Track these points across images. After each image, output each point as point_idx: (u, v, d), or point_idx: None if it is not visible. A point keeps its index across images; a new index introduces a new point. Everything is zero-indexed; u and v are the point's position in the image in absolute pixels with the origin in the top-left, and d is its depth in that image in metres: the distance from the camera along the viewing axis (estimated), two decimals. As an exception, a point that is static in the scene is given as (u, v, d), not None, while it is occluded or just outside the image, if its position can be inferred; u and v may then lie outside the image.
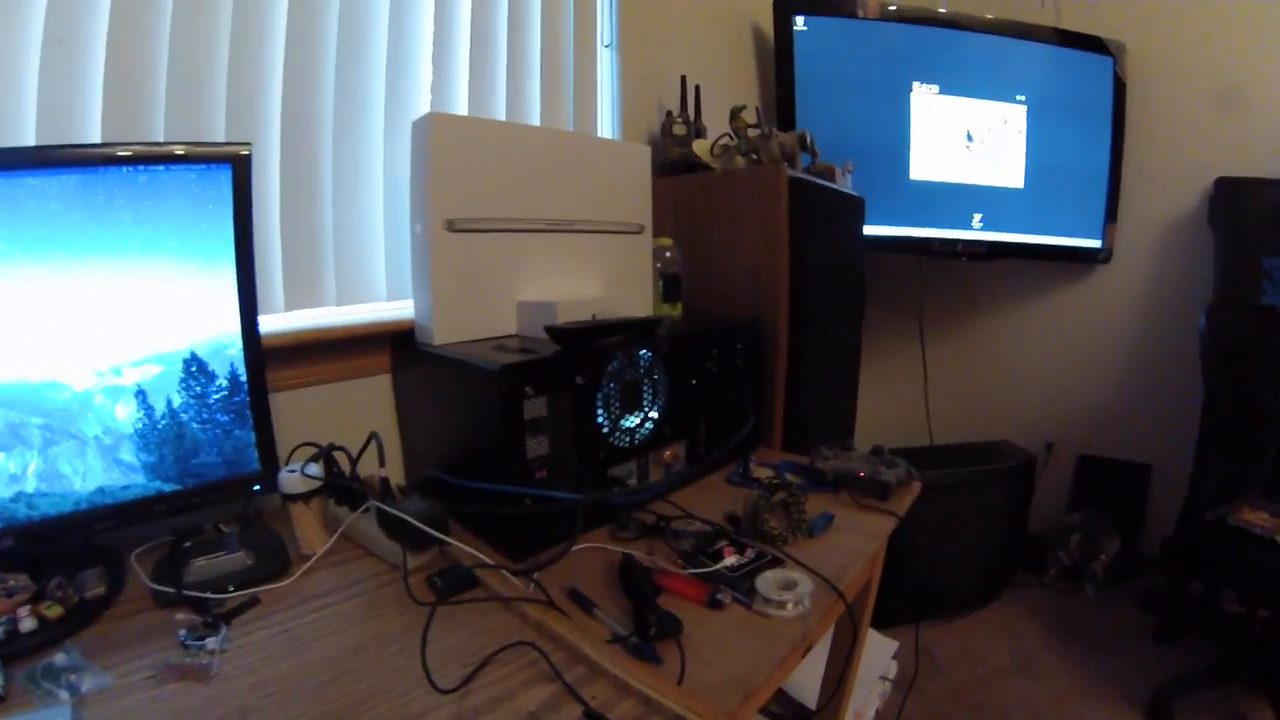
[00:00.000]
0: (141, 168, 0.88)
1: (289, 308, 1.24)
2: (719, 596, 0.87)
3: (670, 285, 1.54)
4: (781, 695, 1.62)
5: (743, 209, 1.53)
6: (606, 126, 1.83)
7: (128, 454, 0.91)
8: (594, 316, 1.18)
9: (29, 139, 0.96)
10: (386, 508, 0.92)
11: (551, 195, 1.30)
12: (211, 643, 0.76)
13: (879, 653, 1.94)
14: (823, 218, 1.64)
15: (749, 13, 2.30)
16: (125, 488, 0.92)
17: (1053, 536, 2.71)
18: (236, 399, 0.99)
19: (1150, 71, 2.52)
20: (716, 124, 1.82)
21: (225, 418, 0.99)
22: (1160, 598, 2.39)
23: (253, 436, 1.02)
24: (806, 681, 1.58)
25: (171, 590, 0.85)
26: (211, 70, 1.13)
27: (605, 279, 1.41)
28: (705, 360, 1.31)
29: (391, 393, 1.33)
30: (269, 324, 1.15)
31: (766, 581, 0.89)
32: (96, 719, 0.65)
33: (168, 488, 0.95)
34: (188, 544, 0.95)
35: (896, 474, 1.21)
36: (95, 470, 0.89)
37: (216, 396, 0.97)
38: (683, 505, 1.16)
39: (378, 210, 1.35)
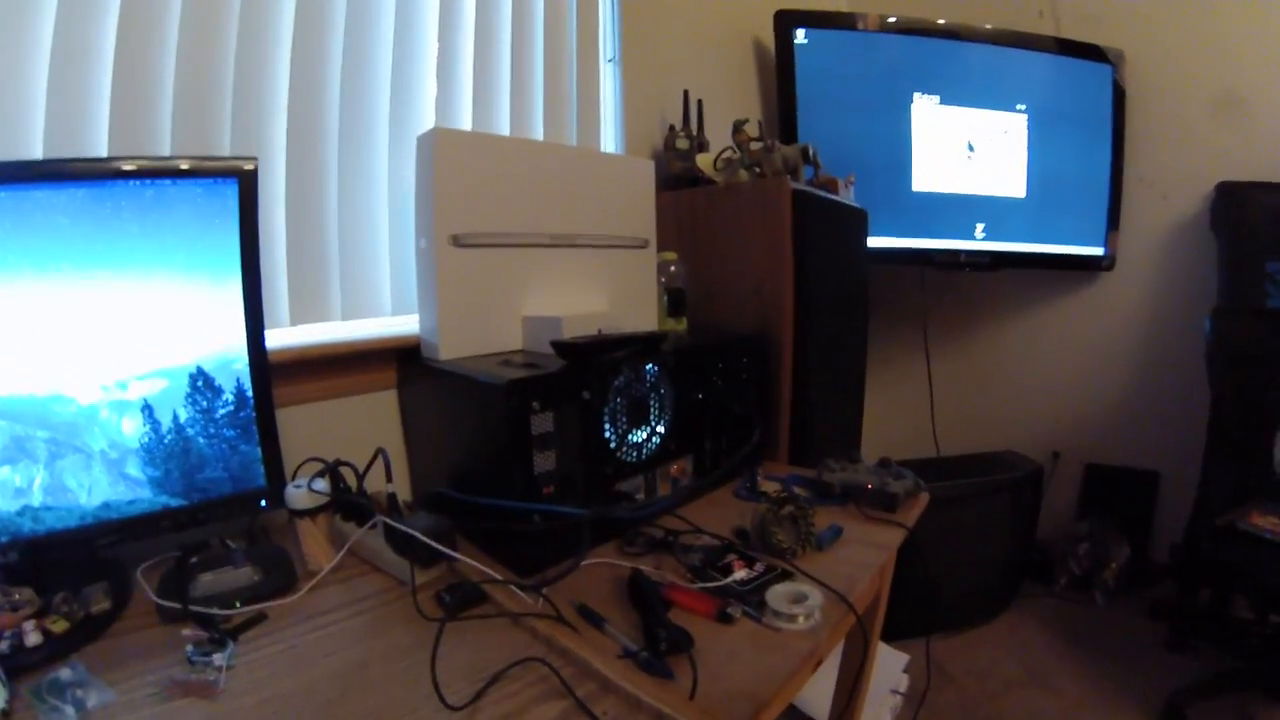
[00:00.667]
0: (148, 182, 0.88)
1: (294, 322, 1.24)
2: (729, 610, 0.86)
3: (675, 299, 1.54)
4: (792, 710, 1.61)
5: (746, 222, 1.53)
6: (610, 141, 1.84)
7: (133, 468, 0.91)
8: (600, 331, 1.18)
9: (37, 153, 0.97)
10: (394, 523, 0.92)
11: (556, 210, 1.31)
12: (218, 658, 0.76)
13: (889, 666, 1.93)
14: (826, 230, 1.64)
15: (750, 27, 2.31)
16: (131, 502, 0.92)
17: (1061, 546, 2.69)
18: (243, 414, 0.99)
19: (1150, 79, 2.52)
20: (719, 138, 1.83)
21: (231, 433, 0.99)
22: (1170, 605, 2.37)
23: (259, 452, 1.02)
24: (817, 696, 1.56)
25: (178, 605, 0.85)
26: (217, 85, 1.13)
27: (610, 294, 1.41)
28: (711, 374, 1.31)
29: (398, 408, 1.33)
30: (274, 339, 1.15)
31: (776, 595, 0.88)
32: (102, 735, 0.64)
33: (174, 503, 0.95)
34: (194, 559, 0.94)
35: (904, 485, 1.20)
36: (101, 484, 0.89)
37: (223, 411, 0.97)
38: (690, 519, 1.15)
39: (383, 225, 1.36)
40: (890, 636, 1.83)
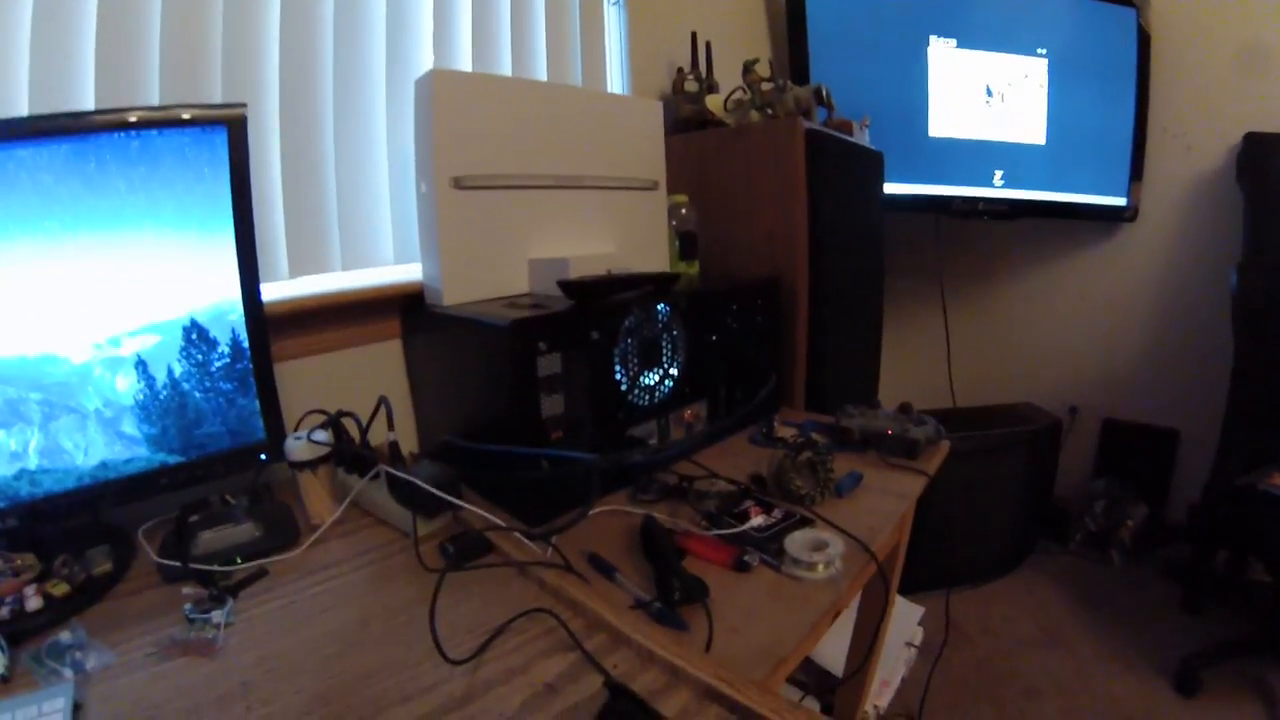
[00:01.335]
0: (133, 134, 0.85)
1: (294, 275, 1.21)
2: (746, 559, 0.84)
3: (686, 243, 1.51)
4: (807, 662, 1.59)
5: (758, 164, 1.49)
6: (616, 85, 1.79)
7: (129, 426, 0.89)
8: (609, 272, 1.14)
9: (22, 110, 0.93)
10: (396, 472, 0.89)
11: (561, 151, 1.27)
12: (217, 616, 0.75)
13: (905, 619, 1.92)
14: (841, 171, 1.59)
15: (759, -33, 2.24)
16: (128, 461, 0.90)
17: (1077, 503, 2.68)
18: (239, 366, 0.96)
19: (1175, 24, 2.44)
20: (728, 81, 1.78)
21: (228, 386, 0.96)
22: (1186, 566, 2.34)
23: (257, 405, 0.99)
24: (832, 648, 1.55)
25: (178, 564, 0.83)
26: (206, 32, 1.09)
27: (619, 236, 1.38)
28: (725, 318, 1.28)
29: (402, 357, 1.31)
30: (274, 292, 1.13)
31: (796, 542, 0.85)
32: (99, 696, 0.64)
33: (172, 460, 0.93)
34: (194, 517, 0.93)
35: (925, 432, 1.17)
36: (97, 444, 0.87)
37: (219, 364, 0.95)
38: (706, 465, 1.12)
39: (382, 171, 1.32)
40: (904, 590, 1.81)
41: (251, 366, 0.98)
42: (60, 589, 0.78)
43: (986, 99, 2.41)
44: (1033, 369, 2.91)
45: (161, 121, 0.87)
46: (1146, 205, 2.56)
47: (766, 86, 1.62)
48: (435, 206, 1.11)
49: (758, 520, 0.94)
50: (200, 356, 0.93)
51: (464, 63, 1.42)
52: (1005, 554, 2.53)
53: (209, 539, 0.90)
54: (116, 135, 0.84)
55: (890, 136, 2.09)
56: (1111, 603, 2.31)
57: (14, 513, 0.82)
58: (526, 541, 0.87)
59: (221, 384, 0.96)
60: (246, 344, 0.97)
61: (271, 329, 1.01)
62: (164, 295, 0.89)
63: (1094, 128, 2.51)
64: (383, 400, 0.98)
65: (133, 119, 0.85)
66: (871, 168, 1.86)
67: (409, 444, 1.26)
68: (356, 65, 1.27)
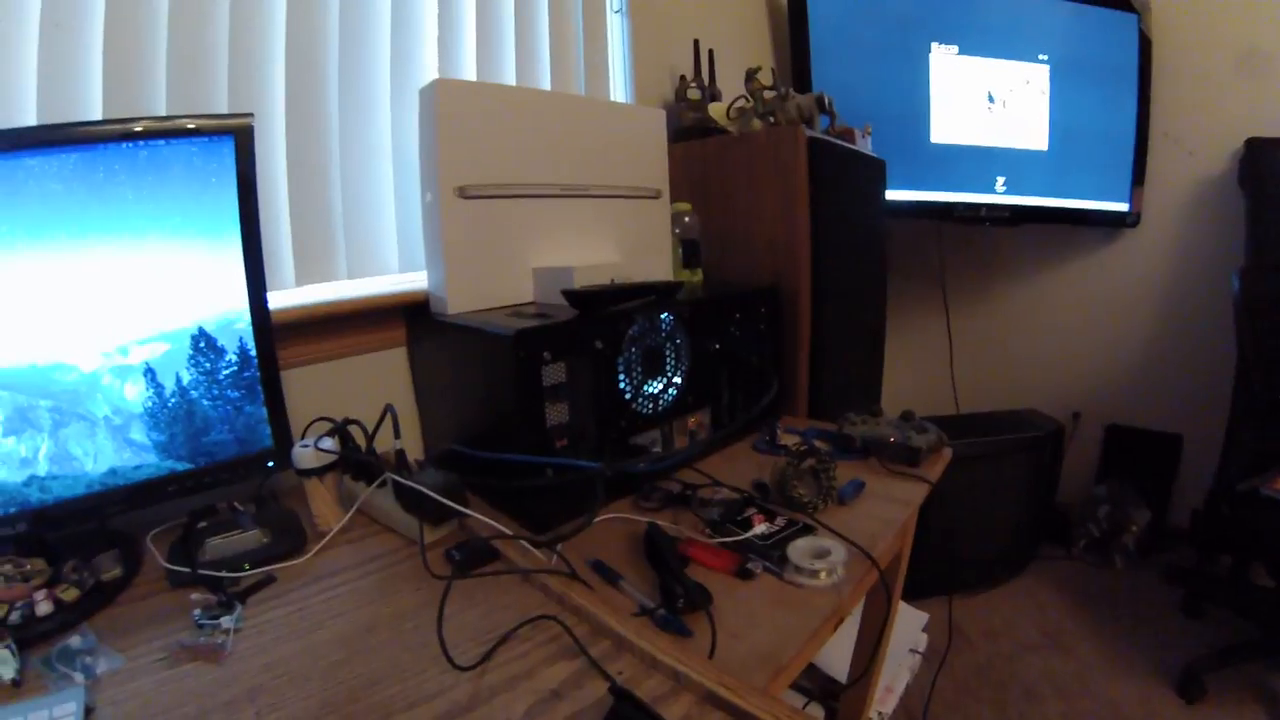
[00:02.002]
0: (141, 143, 0.86)
1: (300, 283, 1.21)
2: (749, 566, 0.84)
3: (690, 251, 1.51)
4: (810, 668, 1.60)
5: (761, 172, 1.49)
6: (619, 93, 1.80)
7: (138, 434, 0.90)
8: (613, 281, 1.15)
9: (30, 121, 0.94)
10: (402, 480, 0.90)
11: (565, 160, 1.28)
12: (226, 622, 0.75)
13: (909, 625, 1.92)
14: (843, 179, 1.59)
15: (761, -25, 2.25)
16: (137, 468, 0.90)
17: (1080, 508, 2.67)
18: (247, 374, 0.97)
19: (1176, 30, 2.44)
20: (731, 90, 1.79)
21: (236, 394, 0.97)
22: (1189, 571, 2.34)
23: (264, 412, 1.00)
24: (835, 654, 1.55)
25: (186, 570, 0.84)
26: (212, 43, 1.10)
27: (623, 245, 1.38)
28: (728, 325, 1.28)
29: (407, 366, 1.32)
30: (280, 300, 1.14)
31: (798, 550, 0.85)
32: (109, 701, 0.64)
33: (180, 467, 0.94)
34: (203, 524, 0.94)
35: (927, 439, 1.17)
36: (106, 451, 0.88)
37: (226, 372, 0.95)
38: (709, 473, 1.13)
39: (387, 180, 1.33)
40: (907, 595, 1.82)
41: (259, 374, 0.98)
42: (70, 594, 0.79)
43: (988, 105, 2.41)
44: (1036, 374, 2.91)
45: (168, 131, 0.88)
46: (1148, 210, 2.57)
47: (769, 94, 1.63)
48: (440, 215, 1.12)
49: (760, 528, 0.94)
50: (208, 364, 0.94)
51: (468, 72, 1.43)
52: (1008, 559, 2.53)
53: (217, 545, 0.90)
54: (124, 145, 0.84)
55: (892, 143, 2.10)
56: (1114, 607, 2.31)
57: (24, 518, 0.82)
58: (531, 549, 0.87)
59: (229, 392, 0.96)
60: (254, 352, 0.97)
61: (278, 337, 1.01)
62: (172, 304, 0.90)
63: (1096, 133, 2.51)
64: (389, 408, 0.99)
65: (140, 129, 0.85)
66: (873, 175, 1.86)
67: (414, 451, 1.26)
68: (361, 75, 1.28)
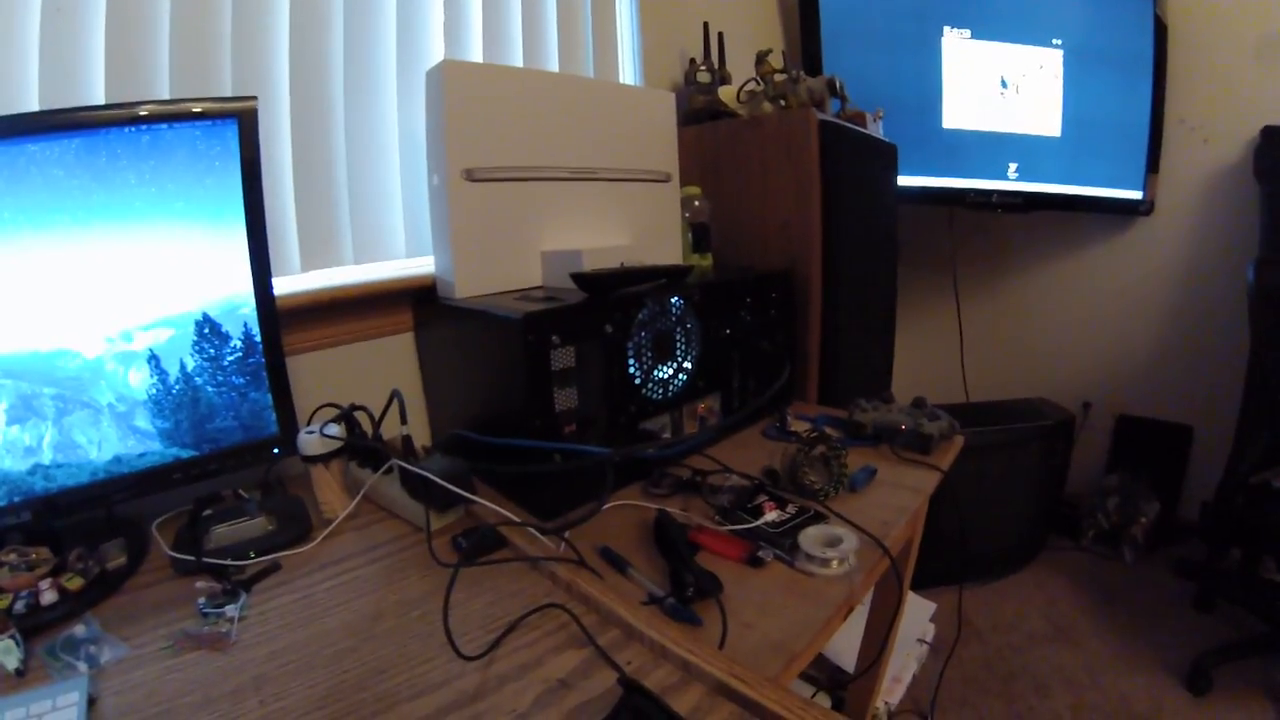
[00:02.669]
0: (143, 127, 0.85)
1: (305, 269, 1.21)
2: (760, 554, 0.83)
3: (700, 235, 1.50)
4: (818, 658, 1.59)
5: (772, 155, 1.47)
6: (628, 76, 1.78)
7: (143, 421, 0.89)
8: (622, 264, 1.14)
9: (32, 105, 0.94)
10: (408, 466, 0.89)
11: (573, 143, 1.27)
12: (230, 610, 0.75)
13: (917, 615, 1.92)
14: (855, 163, 1.58)
15: (772, -43, 2.23)
16: (142, 455, 0.90)
17: (1090, 499, 2.66)
18: (251, 360, 0.96)
19: (1193, 15, 2.41)
20: (741, 73, 1.77)
21: (241, 380, 0.96)
22: (1199, 564, 2.32)
23: (269, 399, 0.99)
24: (844, 644, 1.54)
25: (191, 558, 0.84)
26: (215, 25, 1.09)
27: (633, 228, 1.38)
28: (738, 310, 1.27)
29: (414, 351, 1.31)
30: (286, 286, 1.13)
31: (810, 538, 0.84)
32: (113, 690, 0.64)
33: (185, 454, 0.93)
34: (208, 511, 0.93)
35: (939, 427, 1.16)
36: (111, 439, 0.87)
37: (231, 358, 0.95)
38: (719, 459, 1.12)
39: (394, 164, 1.32)
40: (915, 585, 1.81)
41: (264, 360, 0.98)
42: (74, 583, 0.79)
43: (1001, 90, 2.38)
44: (1046, 363, 2.89)
45: (172, 115, 0.87)
46: (1162, 199, 2.53)
47: (779, 78, 1.61)
48: (447, 199, 1.11)
49: (771, 515, 0.93)
50: (212, 350, 0.93)
51: (475, 54, 1.41)
52: (1017, 550, 2.52)
53: (222, 533, 0.90)
54: (127, 129, 0.84)
55: (904, 128, 2.07)
56: (1123, 600, 2.30)
57: (29, 507, 0.82)
58: (539, 536, 0.87)
59: (234, 378, 0.96)
60: (259, 338, 0.97)
61: (283, 322, 1.01)
62: (176, 289, 0.89)
63: (1109, 120, 2.48)
64: (395, 394, 0.98)
65: (143, 112, 0.84)
66: (885, 160, 1.84)
67: (421, 437, 1.26)
68: (367, 57, 1.27)
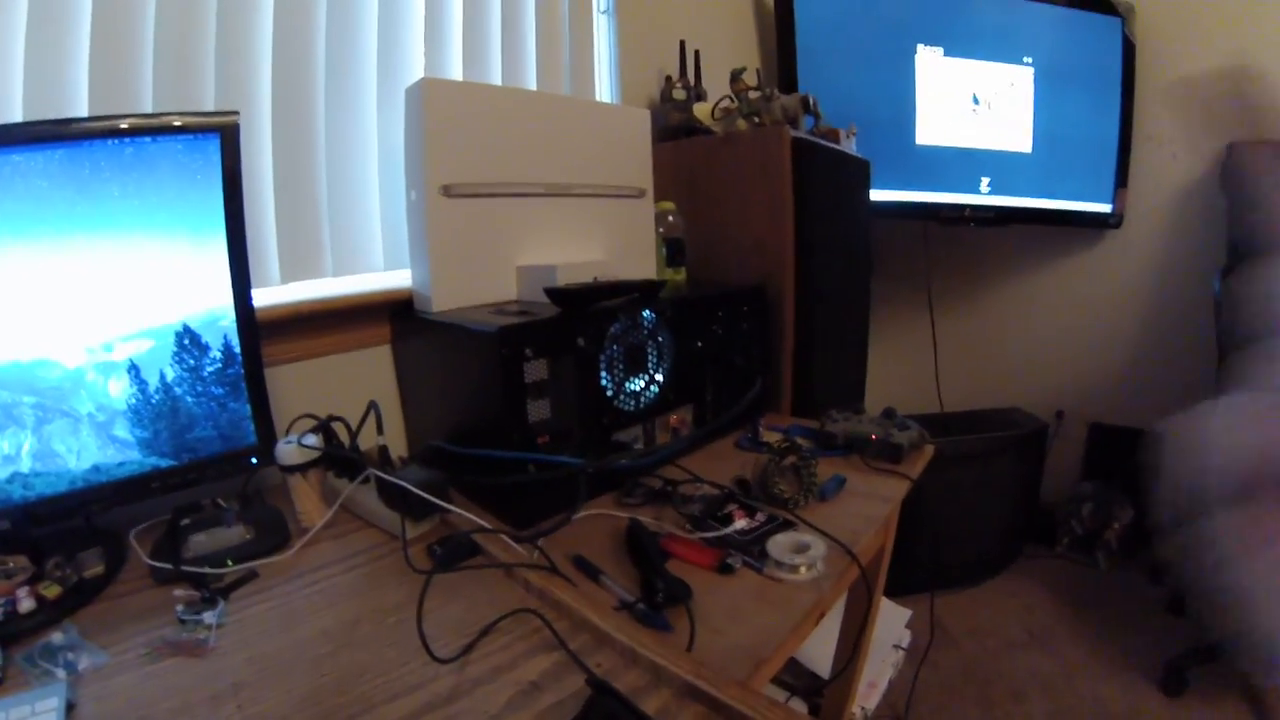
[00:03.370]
0: (127, 140, 0.86)
1: (285, 280, 1.21)
2: (729, 561, 0.85)
3: (673, 250, 1.52)
4: (793, 664, 1.61)
5: (746, 172, 1.50)
6: (605, 93, 1.80)
7: (122, 430, 0.90)
8: (595, 279, 1.15)
9: (16, 116, 0.94)
10: (385, 476, 0.90)
11: (550, 159, 1.28)
12: (209, 617, 0.76)
13: (892, 621, 1.93)
14: (828, 180, 1.60)
15: (748, -25, 2.26)
16: (121, 465, 0.90)
17: (1064, 506, 2.69)
18: (231, 371, 0.97)
19: (1160, 34, 2.46)
20: (717, 90, 1.79)
21: (220, 390, 0.97)
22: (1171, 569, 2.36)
23: (248, 409, 1.00)
24: (818, 650, 1.56)
25: (169, 566, 0.84)
26: (199, 40, 1.10)
27: (607, 244, 1.39)
28: (711, 324, 1.29)
29: (392, 363, 1.32)
30: (265, 297, 1.14)
31: (778, 545, 0.86)
32: (92, 697, 0.64)
33: (164, 463, 0.94)
34: (186, 520, 0.94)
35: (909, 436, 1.18)
36: (90, 448, 0.88)
37: (210, 369, 0.96)
38: (691, 470, 1.13)
39: (373, 179, 1.33)
40: (891, 593, 1.83)
41: (243, 371, 0.98)
42: (53, 591, 0.79)
43: (973, 107, 2.43)
44: (1019, 374, 2.93)
45: (154, 128, 0.88)
46: (1131, 212, 2.59)
47: (754, 95, 1.64)
48: (425, 214, 1.12)
49: (741, 523, 0.95)
50: (192, 361, 0.94)
51: (455, 71, 1.43)
52: (992, 557, 2.54)
53: (200, 542, 0.91)
54: (110, 141, 0.84)
55: (878, 144, 2.10)
56: (1098, 605, 2.33)
57: (7, 515, 0.82)
58: (513, 544, 0.88)
59: (213, 388, 0.96)
60: (238, 349, 0.97)
61: (263, 334, 1.02)
62: (157, 300, 0.90)
63: (1080, 135, 2.53)
64: (372, 405, 1.00)
65: (126, 126, 0.85)
66: (858, 175, 1.87)
67: (398, 448, 1.26)
68: (348, 73, 1.28)
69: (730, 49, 2.16)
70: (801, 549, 0.86)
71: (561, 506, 0.92)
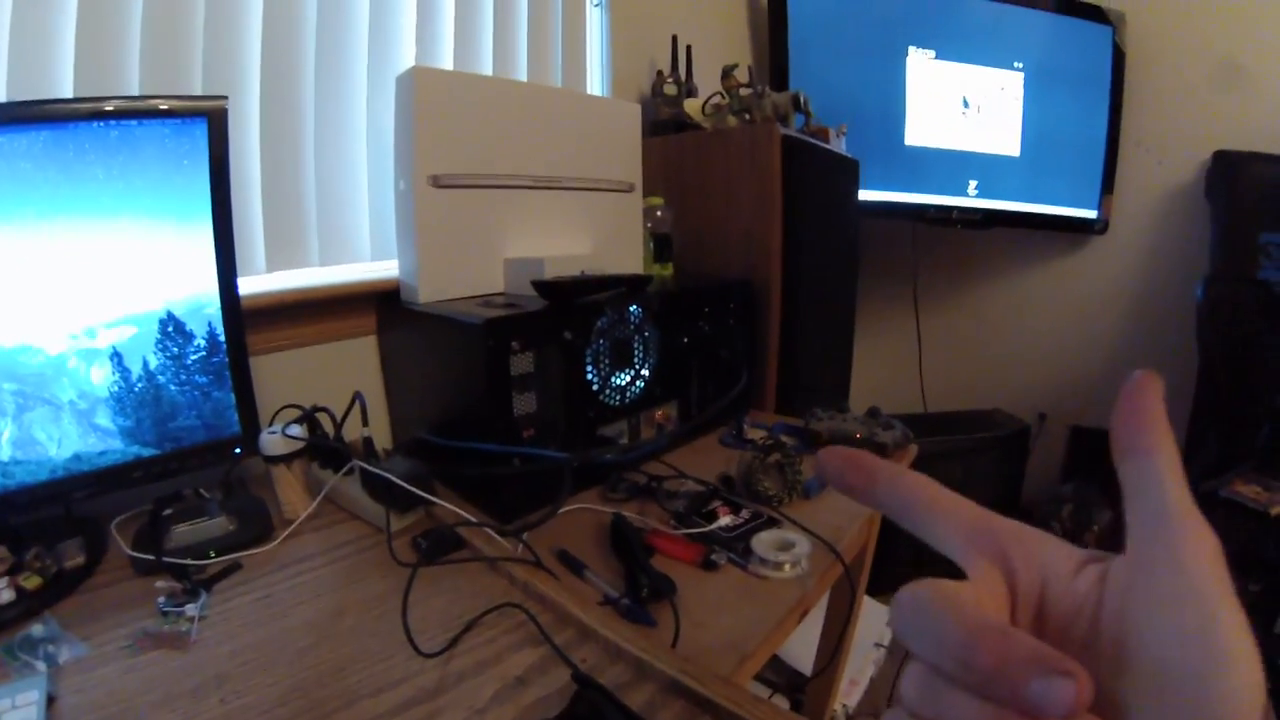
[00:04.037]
0: (113, 123, 0.84)
1: (271, 269, 1.20)
2: (713, 557, 0.85)
3: (661, 245, 1.52)
4: (776, 661, 1.61)
5: (735, 168, 1.50)
6: (596, 86, 1.80)
7: (104, 419, 0.89)
8: (583, 272, 1.15)
9: (0, 98, 0.92)
10: (369, 468, 0.90)
11: (539, 152, 1.28)
12: (190, 609, 0.75)
13: (874, 619, 1.94)
14: (817, 178, 1.61)
15: (742, -27, 2.26)
16: (102, 454, 0.89)
17: (1045, 507, 2.71)
18: (215, 359, 0.96)
19: (1150, 42, 2.49)
20: (708, 86, 1.79)
21: (204, 379, 0.96)
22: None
23: (232, 398, 0.99)
24: (801, 647, 1.57)
25: (151, 557, 0.83)
26: (187, 23, 1.08)
27: (595, 237, 1.39)
28: (697, 319, 1.29)
29: (377, 354, 1.31)
30: (251, 286, 1.12)
31: (763, 542, 0.87)
32: (72, 689, 0.64)
33: (146, 452, 0.93)
34: (168, 510, 0.93)
35: (893, 436, 1.19)
36: (71, 436, 0.86)
37: (194, 357, 0.94)
38: (676, 466, 1.14)
39: (361, 168, 1.32)
40: (873, 592, 1.84)
41: (227, 360, 0.97)
42: (32, 582, 0.78)
43: (963, 110, 2.44)
44: (1003, 375, 2.96)
45: (141, 111, 0.86)
46: (1117, 218, 2.61)
47: (745, 92, 1.64)
48: (413, 204, 1.11)
49: (725, 520, 0.95)
50: (176, 349, 0.93)
51: (445, 61, 1.42)
52: (974, 556, 2.56)
53: (182, 532, 0.90)
54: (95, 124, 0.83)
55: (867, 144, 2.11)
56: (1076, 606, 2.35)
57: (-14, 504, 0.81)
58: (498, 537, 0.88)
59: (197, 377, 0.95)
60: (223, 337, 0.96)
61: (248, 323, 1.00)
62: (140, 287, 0.89)
63: (1067, 141, 2.55)
64: (357, 396, 0.99)
65: (112, 108, 0.84)
66: (847, 175, 1.88)
67: (383, 440, 1.26)
68: (338, 61, 1.27)
69: (722, 45, 2.16)
70: (786, 546, 0.86)
71: (546, 500, 0.91)
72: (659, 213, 1.52)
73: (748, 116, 1.62)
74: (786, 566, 0.84)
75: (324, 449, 1.01)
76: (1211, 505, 1.87)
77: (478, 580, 0.81)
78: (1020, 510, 2.70)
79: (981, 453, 2.41)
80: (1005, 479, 2.54)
